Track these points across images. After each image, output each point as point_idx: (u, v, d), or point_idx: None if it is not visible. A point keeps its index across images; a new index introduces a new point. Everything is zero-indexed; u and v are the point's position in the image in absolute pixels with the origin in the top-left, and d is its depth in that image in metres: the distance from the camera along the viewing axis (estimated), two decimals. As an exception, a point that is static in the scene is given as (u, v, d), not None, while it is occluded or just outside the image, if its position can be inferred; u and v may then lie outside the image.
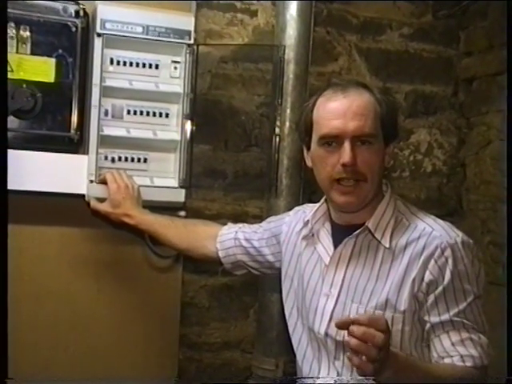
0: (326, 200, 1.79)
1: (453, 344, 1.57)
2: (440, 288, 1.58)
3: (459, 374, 1.55)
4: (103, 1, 2.16)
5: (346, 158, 1.60)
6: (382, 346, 1.33)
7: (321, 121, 1.65)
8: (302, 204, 2.07)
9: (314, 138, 1.68)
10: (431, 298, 1.59)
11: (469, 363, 1.55)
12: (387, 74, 2.84)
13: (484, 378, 1.59)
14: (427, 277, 1.59)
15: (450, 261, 1.59)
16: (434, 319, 1.59)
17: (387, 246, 1.65)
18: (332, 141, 1.63)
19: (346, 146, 1.60)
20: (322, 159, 1.66)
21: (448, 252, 1.59)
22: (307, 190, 2.47)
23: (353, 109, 1.61)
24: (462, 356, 1.56)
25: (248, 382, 2.52)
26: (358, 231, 1.68)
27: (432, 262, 1.59)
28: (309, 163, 1.76)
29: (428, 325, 1.60)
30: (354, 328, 1.33)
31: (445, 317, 1.58)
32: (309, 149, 1.73)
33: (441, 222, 1.69)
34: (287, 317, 1.89)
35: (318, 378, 1.72)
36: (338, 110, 1.62)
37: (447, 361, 1.57)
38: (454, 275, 1.58)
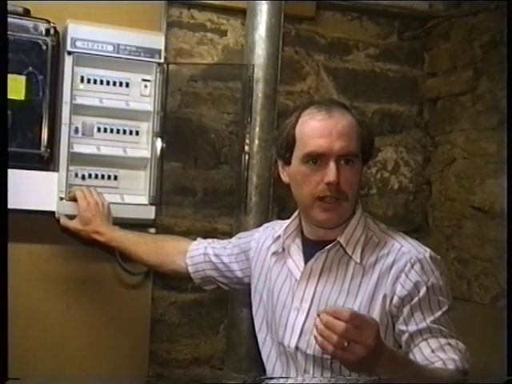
0: (298, 216, 1.80)
1: (433, 351, 1.56)
2: (415, 299, 1.60)
3: (447, 375, 1.53)
4: (74, 19, 2.18)
5: (332, 177, 1.61)
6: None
7: (306, 138, 1.66)
8: (271, 221, 2.09)
9: (297, 154, 1.68)
10: (407, 308, 1.60)
11: (451, 366, 1.54)
12: (354, 93, 2.89)
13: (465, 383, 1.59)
14: (400, 291, 1.61)
15: (421, 274, 1.62)
16: (412, 328, 1.59)
17: (358, 261, 1.67)
18: (316, 159, 1.64)
19: (332, 165, 1.62)
20: (305, 176, 1.67)
21: (418, 266, 1.62)
22: (276, 207, 2.49)
23: (338, 128, 1.63)
24: (443, 361, 1.54)
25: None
26: (329, 246, 1.70)
27: (403, 276, 1.62)
28: (285, 179, 1.76)
29: (406, 334, 1.60)
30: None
31: (422, 324, 1.58)
32: (287, 164, 1.73)
33: (409, 239, 1.72)
34: (257, 331, 1.89)
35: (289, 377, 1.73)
36: (324, 128, 1.64)
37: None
38: (428, 288, 1.60)
